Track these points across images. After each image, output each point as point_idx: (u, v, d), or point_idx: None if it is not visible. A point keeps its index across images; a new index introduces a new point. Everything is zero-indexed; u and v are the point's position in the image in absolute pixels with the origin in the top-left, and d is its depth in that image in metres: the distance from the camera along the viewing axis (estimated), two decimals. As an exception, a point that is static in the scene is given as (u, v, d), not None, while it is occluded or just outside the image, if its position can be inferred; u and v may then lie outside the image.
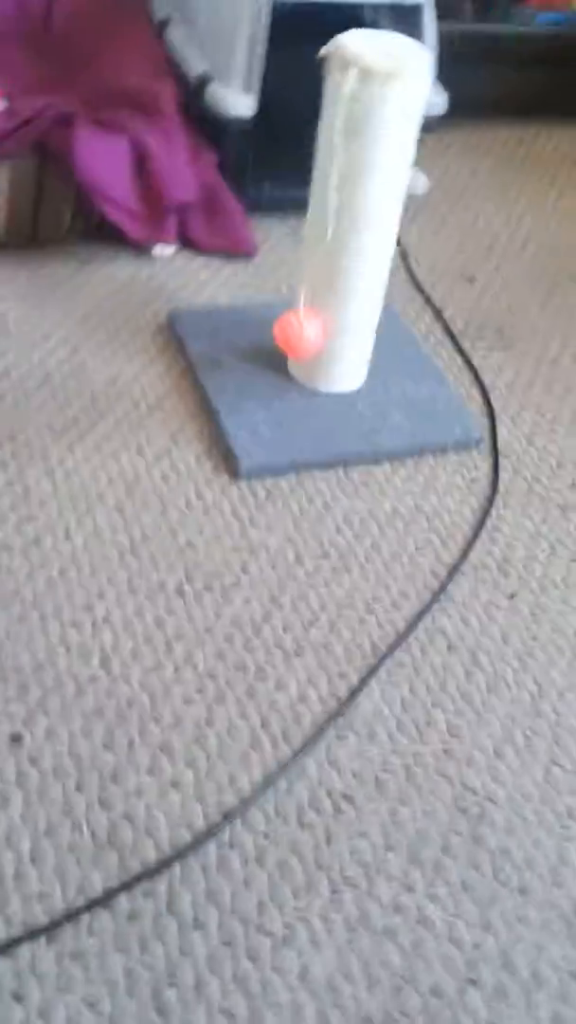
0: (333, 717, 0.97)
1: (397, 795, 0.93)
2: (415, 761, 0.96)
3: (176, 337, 1.40)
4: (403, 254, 1.67)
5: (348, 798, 0.92)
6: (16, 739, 0.90)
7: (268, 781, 0.91)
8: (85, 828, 0.86)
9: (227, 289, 1.53)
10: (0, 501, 1.12)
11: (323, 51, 1.12)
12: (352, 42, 1.11)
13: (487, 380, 1.45)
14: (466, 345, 1.51)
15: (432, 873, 0.88)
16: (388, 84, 1.08)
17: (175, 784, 0.90)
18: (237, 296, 1.52)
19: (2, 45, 1.75)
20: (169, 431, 1.26)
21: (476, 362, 1.48)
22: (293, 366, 1.36)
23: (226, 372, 1.34)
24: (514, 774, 0.96)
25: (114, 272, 1.50)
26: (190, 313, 1.45)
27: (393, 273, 1.59)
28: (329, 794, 0.92)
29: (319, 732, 0.96)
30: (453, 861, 0.89)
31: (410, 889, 0.86)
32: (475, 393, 1.43)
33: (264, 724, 0.96)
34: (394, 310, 1.53)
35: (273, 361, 1.36)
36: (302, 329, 1.26)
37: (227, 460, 1.23)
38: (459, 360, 1.49)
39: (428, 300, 1.60)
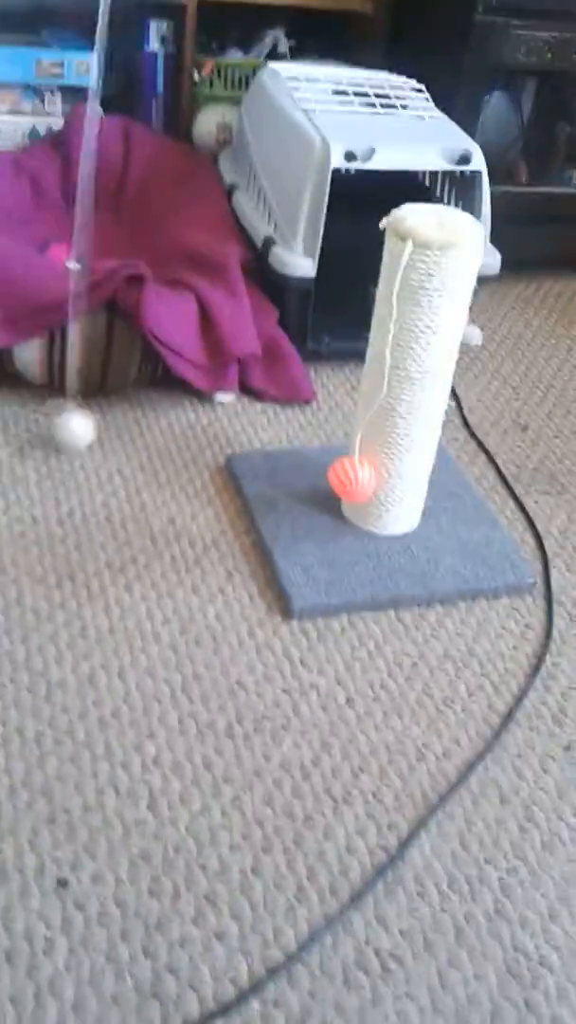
0: (382, 871, 0.95)
1: (446, 956, 0.90)
2: (466, 921, 0.93)
3: (233, 479, 1.45)
4: (458, 402, 1.73)
5: (396, 957, 0.89)
6: (63, 884, 0.90)
7: (314, 937, 0.89)
8: (128, 978, 0.84)
9: (285, 434, 1.59)
10: (59, 639, 1.15)
11: (382, 223, 1.20)
12: (408, 215, 1.19)
13: (540, 525, 1.47)
14: (519, 490, 1.54)
15: (484, 1045, 0.84)
16: (442, 256, 1.15)
17: (220, 936, 0.88)
18: (294, 441, 1.57)
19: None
20: (224, 570, 1.29)
21: (529, 507, 1.50)
22: (347, 509, 1.39)
23: (281, 513, 1.38)
24: (569, 938, 0.92)
25: (176, 418, 1.57)
26: (247, 456, 1.50)
27: (448, 420, 1.64)
28: (376, 953, 0.89)
29: (367, 886, 0.94)
30: (505, 1032, 0.85)
31: (460, 1062, 0.82)
32: (528, 538, 1.45)
33: (311, 876, 0.94)
34: (448, 455, 1.57)
35: (328, 504, 1.39)
36: (356, 474, 1.30)
37: (280, 600, 1.25)
38: (512, 505, 1.51)
39: (482, 446, 1.64)
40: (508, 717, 1.14)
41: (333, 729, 1.10)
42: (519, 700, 1.17)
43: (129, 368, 1.55)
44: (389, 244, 1.20)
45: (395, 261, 1.17)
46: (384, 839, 0.99)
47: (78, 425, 1.43)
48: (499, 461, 1.60)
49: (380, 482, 1.32)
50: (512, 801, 1.05)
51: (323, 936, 0.89)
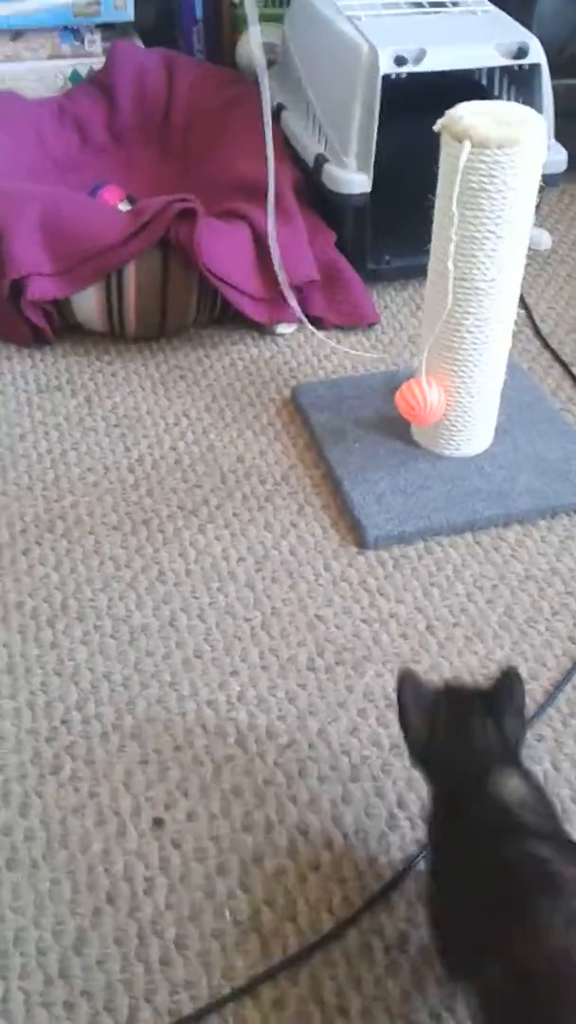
0: (472, 795, 0.95)
1: (543, 877, 0.89)
2: (561, 840, 0.92)
3: (300, 411, 1.43)
4: (528, 311, 1.66)
5: (491, 880, 0.89)
6: (158, 823, 0.92)
7: (409, 862, 0.90)
8: (228, 914, 0.86)
9: (349, 360, 1.55)
10: (138, 584, 1.16)
11: (436, 125, 1.14)
12: (464, 114, 1.13)
13: (621, 434, 1.41)
14: (596, 398, 1.48)
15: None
16: (502, 154, 1.09)
17: (314, 867, 0.90)
18: (359, 367, 1.54)
19: (126, 147, 1.86)
20: (296, 504, 1.28)
21: (607, 415, 1.45)
22: (417, 432, 1.36)
23: (350, 442, 1.36)
24: None
25: (239, 354, 1.55)
26: (313, 386, 1.47)
27: (519, 331, 1.58)
28: (471, 876, 0.89)
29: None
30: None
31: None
32: (609, 448, 1.39)
33: (400, 803, 0.95)
34: (521, 368, 1.51)
35: (397, 429, 1.36)
36: (424, 396, 1.27)
37: (354, 531, 1.24)
38: (588, 415, 1.46)
39: (556, 356, 1.57)
40: (596, 635, 1.12)
41: (415, 657, 1.09)
42: (606, 617, 1.14)
43: (188, 307, 1.53)
44: (445, 147, 1.14)
45: (452, 164, 1.12)
46: (473, 764, 0.98)
47: None
48: (575, 371, 1.54)
49: (450, 402, 1.28)
50: (603, 720, 1.03)
51: (417, 861, 0.90)
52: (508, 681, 0.82)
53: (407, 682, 0.83)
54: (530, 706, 1.03)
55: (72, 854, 0.90)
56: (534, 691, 1.05)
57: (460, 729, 0.81)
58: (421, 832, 0.92)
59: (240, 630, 1.11)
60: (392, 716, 1.02)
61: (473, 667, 1.08)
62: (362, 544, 1.23)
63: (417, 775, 0.96)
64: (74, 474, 1.32)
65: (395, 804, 0.95)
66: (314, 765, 0.98)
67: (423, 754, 0.82)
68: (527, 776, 0.79)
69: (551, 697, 1.05)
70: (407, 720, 0.82)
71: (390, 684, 1.05)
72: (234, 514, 1.27)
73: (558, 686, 1.06)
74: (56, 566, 1.18)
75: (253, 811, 0.94)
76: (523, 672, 1.05)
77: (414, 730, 0.82)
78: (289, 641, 1.10)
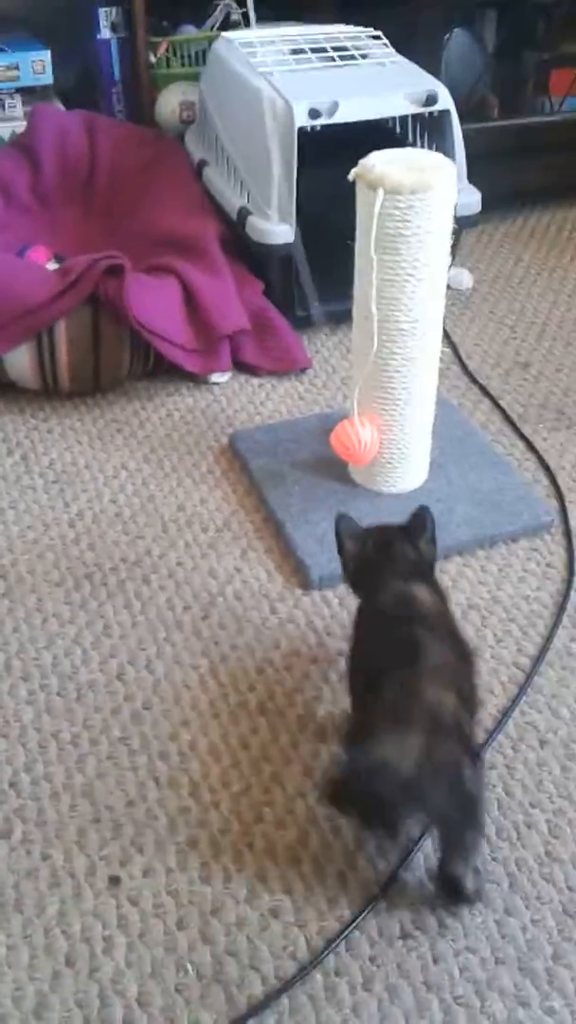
0: (428, 829, 0.95)
1: (503, 905, 0.90)
2: (518, 867, 0.93)
3: (238, 457, 1.45)
4: (454, 348, 1.70)
5: (452, 913, 0.89)
6: (114, 881, 0.91)
7: (368, 903, 0.89)
8: (190, 967, 0.85)
9: (285, 405, 1.57)
10: (83, 639, 1.16)
11: (351, 174, 1.18)
12: (377, 163, 1.16)
13: (552, 462, 1.45)
14: (527, 430, 1.52)
15: (546, 985, 0.84)
16: (415, 200, 1.13)
17: (275, 913, 0.89)
18: (294, 411, 1.56)
19: (51, 208, 1.88)
20: (239, 549, 1.29)
21: (539, 445, 1.48)
22: (355, 471, 1.38)
23: (289, 485, 1.37)
24: (624, 872, 0.92)
25: (175, 405, 1.57)
26: (250, 432, 1.49)
27: (447, 368, 1.62)
28: (432, 910, 0.89)
29: (415, 846, 0.94)
30: (567, 970, 0.85)
31: (524, 1004, 0.82)
32: (541, 476, 1.43)
33: (358, 843, 0.95)
34: (451, 404, 1.55)
35: (335, 469, 1.38)
36: (358, 436, 1.29)
37: (298, 572, 1.25)
38: (521, 445, 1.49)
39: (484, 390, 1.62)
40: (538, 659, 1.14)
41: (365, 694, 1.09)
42: (548, 640, 1.16)
43: (121, 361, 1.54)
44: (361, 194, 1.18)
45: (368, 211, 1.15)
46: (428, 796, 0.99)
47: None
48: (503, 403, 1.58)
49: (383, 440, 1.31)
50: (551, 742, 1.04)
51: (378, 901, 0.90)
52: (421, 515, 1.05)
53: (343, 520, 1.05)
54: (481, 733, 1.05)
55: (28, 918, 0.88)
56: (483, 719, 1.06)
57: (385, 550, 1.03)
58: (383, 868, 0.92)
59: (189, 679, 1.11)
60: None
61: (422, 700, 1.09)
62: (307, 585, 1.23)
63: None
64: (13, 532, 1.31)
65: (352, 844, 0.94)
66: (270, 811, 0.97)
67: (356, 574, 1.05)
68: (435, 588, 1.02)
69: (499, 723, 1.06)
70: (343, 544, 1.05)
71: (340, 723, 1.06)
72: (178, 563, 1.27)
73: (506, 712, 1.07)
74: (-1, 627, 1.18)
75: (210, 862, 0.93)
76: (471, 701, 1.07)
77: (348, 552, 1.05)
78: (239, 687, 1.10)
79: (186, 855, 0.93)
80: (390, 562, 1.02)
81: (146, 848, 0.94)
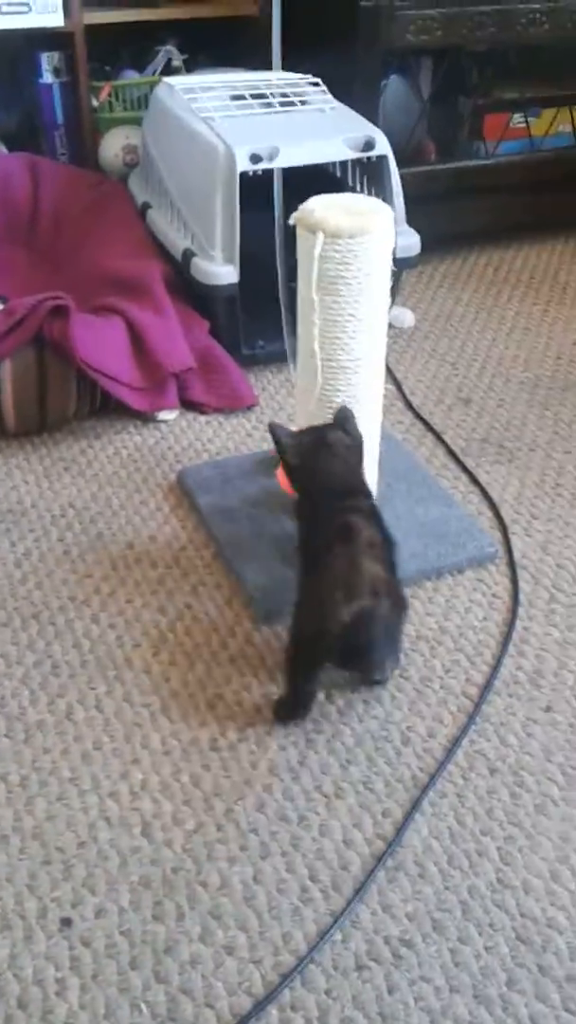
0: (381, 859, 0.96)
1: (456, 933, 0.90)
2: (471, 895, 0.94)
3: (187, 494, 1.45)
4: (398, 385, 1.74)
5: (406, 942, 0.90)
6: (66, 923, 0.89)
7: (323, 935, 0.89)
8: (144, 1007, 0.84)
9: (232, 442, 1.59)
10: (31, 680, 1.14)
11: (292, 219, 1.21)
12: (316, 207, 1.19)
13: (494, 494, 1.48)
14: (470, 463, 1.55)
15: (500, 1012, 0.84)
16: (354, 243, 1.16)
17: (229, 949, 0.89)
18: (242, 447, 1.57)
19: (-4, 250, 1.89)
20: (189, 585, 1.30)
21: (482, 478, 1.52)
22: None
23: (238, 521, 1.38)
24: (574, 896, 0.93)
25: (123, 443, 1.57)
26: (198, 468, 1.50)
27: (391, 404, 1.65)
28: (387, 941, 0.90)
29: (369, 877, 0.94)
30: (520, 996, 0.85)
31: (481, 1034, 0.83)
32: (485, 509, 1.46)
33: (312, 875, 0.95)
34: (395, 438, 1.58)
35: (282, 504, 1.40)
36: None
37: (248, 606, 1.26)
38: (464, 479, 1.52)
39: (427, 425, 1.65)
40: (486, 688, 1.15)
41: (316, 727, 1.10)
42: (495, 669, 1.18)
43: (67, 400, 1.54)
44: (301, 238, 1.20)
45: (309, 254, 1.18)
46: (380, 827, 0.99)
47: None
48: (446, 438, 1.61)
49: None
50: (501, 770, 1.06)
51: (332, 933, 0.90)
52: (343, 412, 1.21)
53: (276, 425, 1.20)
54: (430, 763, 1.06)
55: (-23, 967, 0.87)
56: (433, 749, 1.08)
57: (320, 439, 1.19)
58: (335, 903, 0.92)
59: (139, 717, 1.10)
60: (298, 789, 1.03)
61: (374, 730, 1.10)
62: (257, 619, 1.24)
63: (325, 846, 0.97)
64: (-40, 574, 1.30)
65: (306, 877, 0.94)
66: (223, 847, 0.97)
67: (296, 467, 1.19)
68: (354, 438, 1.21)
69: (449, 753, 1.07)
70: (281, 443, 1.19)
71: (294, 757, 1.06)
72: (127, 601, 1.27)
73: (455, 741, 1.09)
74: (-55, 669, 1.16)
75: (163, 900, 0.92)
76: (422, 730, 1.09)
77: (288, 446, 1.19)
78: (190, 723, 1.10)
79: (139, 894, 0.92)
80: (327, 448, 1.18)
81: (98, 888, 0.93)
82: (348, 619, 1.02)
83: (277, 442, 1.19)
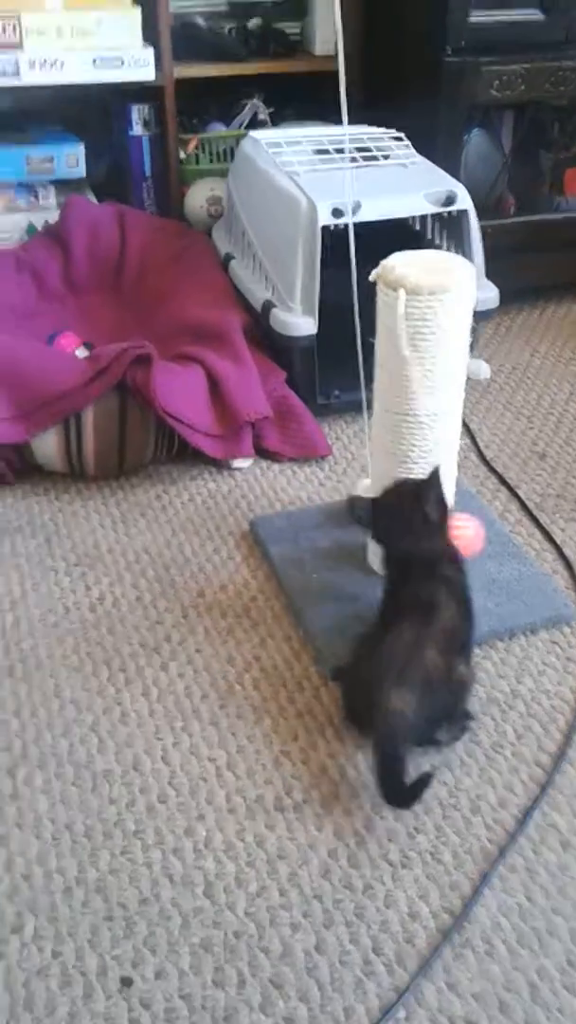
0: (448, 934, 0.93)
1: (523, 1016, 0.87)
2: (539, 976, 0.90)
3: (259, 543, 1.46)
4: (472, 438, 1.72)
5: (471, 1023, 0.87)
6: (126, 983, 0.89)
7: (386, 1012, 0.87)
8: (200, 1075, 0.83)
9: (305, 491, 1.59)
10: (100, 728, 1.15)
11: (372, 275, 1.21)
12: (396, 264, 1.20)
13: (570, 554, 1.45)
14: (544, 520, 1.53)
15: None
16: (434, 300, 1.16)
17: (289, 1021, 0.87)
18: (314, 497, 1.57)
19: (81, 295, 1.94)
20: (258, 637, 1.29)
21: (557, 536, 1.49)
22: (374, 559, 1.38)
23: (308, 572, 1.38)
24: None
25: (197, 490, 1.59)
26: (270, 518, 1.50)
27: (465, 457, 1.63)
28: (451, 1021, 0.87)
29: (434, 952, 0.92)
30: None
31: None
32: (560, 567, 1.43)
33: (376, 948, 0.92)
34: (470, 492, 1.56)
35: (354, 558, 1.39)
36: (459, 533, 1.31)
37: (317, 661, 1.25)
38: (539, 535, 1.50)
39: (502, 479, 1.63)
40: (560, 757, 1.12)
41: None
42: (568, 737, 1.14)
43: (145, 447, 1.57)
44: (381, 294, 1.21)
45: (390, 311, 1.18)
46: (447, 900, 0.97)
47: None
48: (521, 493, 1.59)
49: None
50: (573, 844, 1.02)
51: (395, 1010, 0.87)
52: (434, 474, 1.19)
53: (355, 499, 1.31)
54: (501, 835, 1.03)
55: (37, 1018, 0.86)
56: (503, 819, 1.05)
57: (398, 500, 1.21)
58: (399, 978, 0.90)
59: (205, 771, 1.10)
60: (363, 856, 1.01)
61: (443, 797, 1.07)
62: (325, 674, 1.23)
63: (390, 918, 0.95)
64: (34, 615, 1.32)
65: (370, 950, 0.92)
66: (286, 913, 0.95)
67: (380, 535, 1.25)
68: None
69: (521, 824, 1.04)
70: (363, 520, 1.27)
71: (360, 822, 1.04)
72: (197, 650, 1.27)
73: (527, 812, 1.06)
74: (16, 711, 1.17)
75: (224, 965, 0.91)
76: (492, 799, 1.07)
77: (370, 518, 1.23)
78: (256, 780, 1.09)
79: (200, 957, 0.91)
80: (409, 513, 1.19)
81: (159, 948, 0.92)
82: (384, 717, 1.02)
83: (358, 520, 1.27)
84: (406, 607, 1.13)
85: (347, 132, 1.52)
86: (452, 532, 1.30)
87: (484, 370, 1.91)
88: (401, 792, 1.02)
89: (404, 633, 1.09)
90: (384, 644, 1.09)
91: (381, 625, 1.15)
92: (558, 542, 1.48)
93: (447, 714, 1.11)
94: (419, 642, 1.07)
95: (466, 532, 1.33)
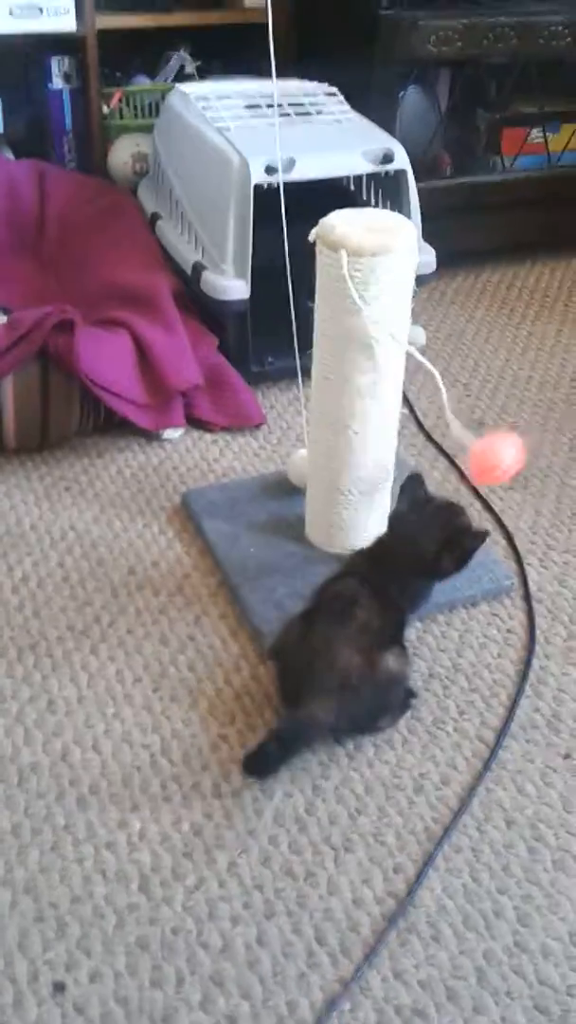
0: (393, 920, 0.91)
1: (471, 1003, 0.85)
2: (487, 960, 0.88)
3: (192, 517, 1.40)
4: (411, 407, 1.69)
5: (419, 1012, 0.84)
6: (59, 988, 0.84)
7: (331, 1004, 0.84)
8: (138, 1080, 0.79)
9: (239, 462, 1.54)
10: (26, 717, 1.09)
11: (312, 235, 1.16)
12: (337, 224, 1.14)
13: (509, 523, 1.43)
14: (483, 489, 1.50)
15: None
16: (377, 262, 1.11)
17: (231, 1018, 0.83)
18: (249, 467, 1.52)
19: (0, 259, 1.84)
20: (193, 615, 1.24)
21: (496, 505, 1.47)
22: (312, 533, 1.34)
23: (245, 547, 1.33)
24: (597, 965, 0.88)
25: (126, 462, 1.52)
26: (204, 491, 1.45)
27: (403, 427, 1.59)
28: (398, 1011, 0.84)
29: (380, 940, 0.89)
30: (543, 1080, 0.80)
31: None
32: (499, 538, 1.41)
33: (320, 937, 0.89)
34: (408, 463, 1.53)
35: (291, 530, 1.35)
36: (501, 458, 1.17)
37: (255, 640, 1.21)
38: (478, 505, 1.47)
39: (440, 449, 1.60)
40: (502, 732, 1.10)
41: (324, 772, 1.05)
42: (511, 712, 1.13)
43: (70, 417, 1.49)
44: (322, 256, 1.15)
45: (330, 272, 1.13)
46: (391, 884, 0.94)
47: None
48: (459, 462, 1.56)
49: (338, 501, 1.28)
50: (518, 822, 1.00)
51: (341, 1002, 0.84)
52: (478, 535, 1.13)
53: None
54: (444, 814, 1.01)
55: (-37, 1033, 0.81)
56: (447, 797, 1.03)
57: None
58: (344, 968, 0.87)
59: (139, 759, 1.05)
60: (305, 841, 0.97)
61: (385, 777, 1.04)
62: (263, 654, 1.19)
63: (334, 905, 0.92)
64: (-46, 599, 1.25)
65: (313, 940, 0.89)
66: (225, 905, 0.92)
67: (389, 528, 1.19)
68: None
69: (465, 803, 1.02)
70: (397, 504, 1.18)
71: (301, 805, 1.01)
72: (128, 631, 1.22)
73: (470, 790, 1.03)
74: None
75: (162, 964, 0.87)
76: (436, 777, 1.04)
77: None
78: (192, 766, 1.05)
79: (136, 957, 0.87)
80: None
81: (93, 950, 0.87)
82: (296, 716, 1.03)
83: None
84: (326, 601, 1.10)
85: (276, 85, 1.44)
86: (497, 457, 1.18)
87: (420, 336, 1.87)
88: (265, 769, 1.02)
89: (318, 632, 1.06)
90: (304, 643, 1.06)
91: (307, 613, 1.11)
92: (497, 512, 1.45)
93: (378, 710, 1.08)
94: (333, 642, 1.04)
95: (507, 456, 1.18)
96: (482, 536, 1.12)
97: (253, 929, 0.90)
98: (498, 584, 1.31)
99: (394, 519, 1.18)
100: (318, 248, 1.16)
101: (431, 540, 1.11)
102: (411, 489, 1.16)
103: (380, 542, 1.17)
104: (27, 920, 0.89)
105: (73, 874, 0.93)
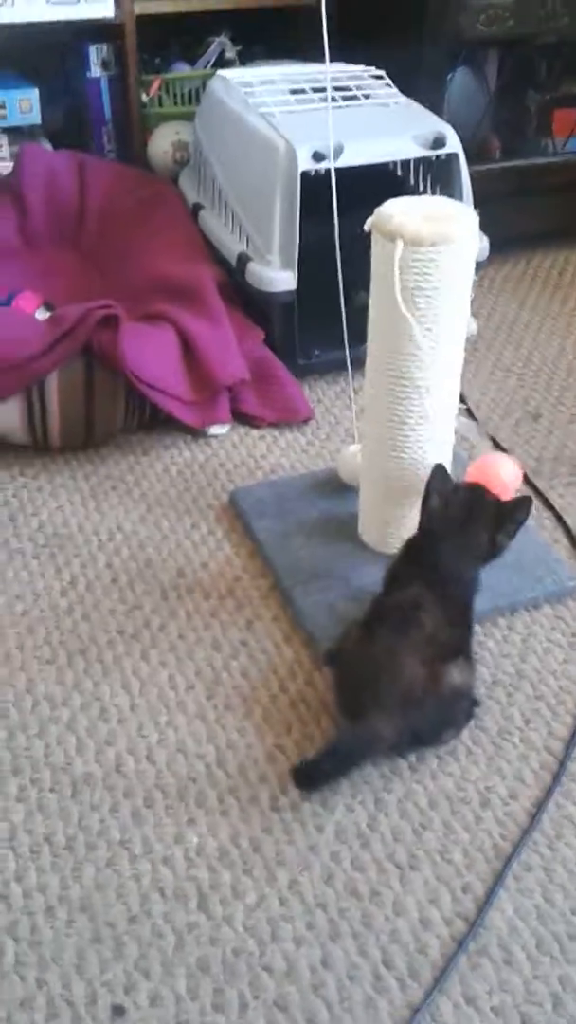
0: (463, 943, 0.86)
1: (549, 1033, 0.81)
2: (562, 985, 0.84)
3: (241, 516, 1.36)
4: (463, 399, 1.63)
5: None
6: (119, 1011, 0.81)
7: (401, 1032, 0.80)
8: None
9: (287, 458, 1.50)
10: (77, 726, 1.06)
11: (368, 224, 1.11)
12: (394, 212, 1.09)
13: (571, 521, 1.37)
14: (542, 485, 1.45)
15: None
16: (436, 251, 1.06)
17: (296, 1046, 0.80)
18: (297, 465, 1.48)
19: (39, 251, 1.81)
20: (244, 619, 1.21)
21: (555, 501, 1.41)
22: (365, 533, 1.30)
23: (296, 548, 1.29)
24: None
25: (172, 460, 1.48)
26: (252, 489, 1.41)
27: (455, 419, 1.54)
28: (471, 1039, 0.80)
29: (449, 964, 0.85)
30: None
31: None
32: (560, 536, 1.36)
33: (386, 960, 0.85)
34: (462, 458, 1.47)
35: (343, 530, 1.31)
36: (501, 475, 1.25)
37: (308, 644, 1.17)
38: (537, 502, 1.42)
39: (495, 442, 1.55)
40: (571, 743, 1.05)
41: (386, 784, 1.01)
42: (581, 721, 1.08)
43: (115, 415, 1.46)
44: (377, 245, 1.11)
45: (387, 262, 1.08)
46: (459, 904, 0.90)
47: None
48: (515, 456, 1.50)
49: (399, 500, 1.23)
50: (592, 838, 0.96)
51: (411, 1030, 0.81)
52: (523, 504, 1.11)
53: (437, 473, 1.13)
54: (513, 830, 0.96)
55: (20, 1058, 0.79)
56: (515, 812, 0.98)
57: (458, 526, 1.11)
58: (413, 994, 0.83)
59: (194, 769, 1.02)
60: (368, 858, 0.93)
61: (449, 790, 1.00)
62: (318, 658, 1.15)
63: (400, 926, 0.88)
64: (0, 603, 1.22)
65: (380, 963, 0.85)
66: (288, 925, 0.88)
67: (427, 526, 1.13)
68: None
69: (534, 819, 0.97)
70: (427, 500, 1.12)
71: (363, 819, 0.97)
72: (179, 635, 1.18)
73: (540, 805, 0.99)
74: (-14, 709, 1.08)
75: (224, 987, 0.83)
76: (502, 791, 1.00)
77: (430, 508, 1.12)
78: (249, 778, 1.01)
79: (197, 979, 0.84)
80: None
81: (152, 971, 0.84)
82: (356, 731, 1.00)
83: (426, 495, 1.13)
84: (389, 609, 1.07)
85: (328, 69, 1.39)
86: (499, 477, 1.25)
87: (472, 326, 1.81)
88: (316, 783, 0.99)
89: (381, 641, 1.03)
90: (365, 652, 1.03)
91: (368, 622, 1.07)
92: (557, 509, 1.40)
93: (442, 724, 1.04)
94: (396, 654, 1.01)
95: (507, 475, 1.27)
96: (527, 503, 1.11)
97: (317, 951, 0.86)
98: (561, 585, 1.25)
99: (431, 516, 1.13)
100: (373, 238, 1.11)
101: (481, 525, 1.10)
102: (438, 482, 1.13)
103: (426, 541, 1.13)
104: (84, 940, 0.86)
105: (130, 891, 0.90)
